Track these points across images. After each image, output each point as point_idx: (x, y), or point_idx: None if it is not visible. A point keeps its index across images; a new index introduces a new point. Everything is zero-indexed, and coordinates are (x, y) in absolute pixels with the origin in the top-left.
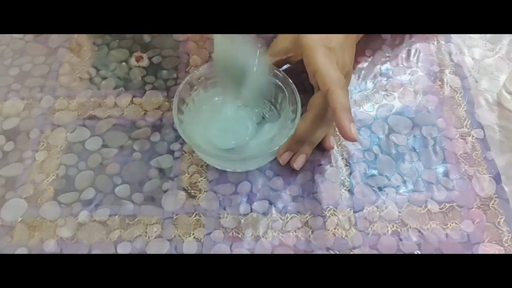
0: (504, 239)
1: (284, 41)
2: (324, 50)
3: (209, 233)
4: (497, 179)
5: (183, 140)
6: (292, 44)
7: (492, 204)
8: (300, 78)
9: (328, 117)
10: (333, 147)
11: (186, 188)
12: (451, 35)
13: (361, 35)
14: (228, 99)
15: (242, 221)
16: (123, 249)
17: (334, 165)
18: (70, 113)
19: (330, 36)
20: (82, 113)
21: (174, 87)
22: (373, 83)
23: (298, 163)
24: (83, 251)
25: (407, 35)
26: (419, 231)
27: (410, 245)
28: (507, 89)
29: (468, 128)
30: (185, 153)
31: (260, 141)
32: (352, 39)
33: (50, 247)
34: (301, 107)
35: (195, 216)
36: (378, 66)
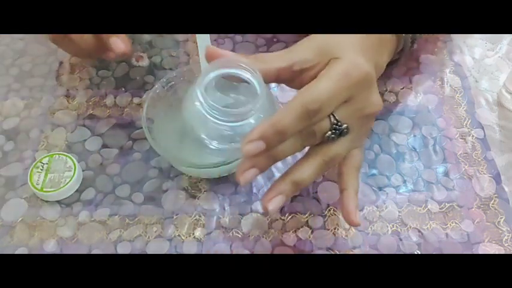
0: (504, 239)
1: (306, 50)
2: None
3: (209, 233)
4: (497, 179)
5: None
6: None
7: (492, 204)
8: None
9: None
10: (358, 222)
11: (186, 188)
12: (451, 34)
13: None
14: None
15: (242, 221)
16: (123, 249)
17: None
18: (70, 113)
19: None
20: (82, 113)
21: None
22: None
23: (274, 204)
24: (83, 251)
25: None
26: (419, 231)
27: (410, 245)
28: (507, 88)
29: (468, 128)
30: None
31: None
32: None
33: (50, 247)
34: None
35: (195, 216)
36: None
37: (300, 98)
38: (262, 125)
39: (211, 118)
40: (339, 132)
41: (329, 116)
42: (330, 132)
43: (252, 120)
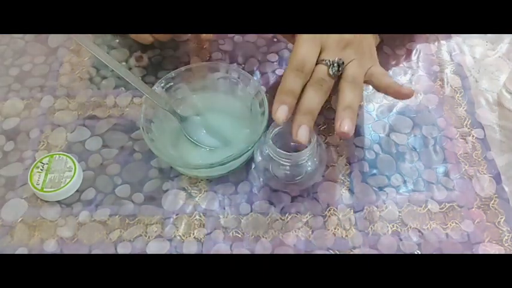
0: (504, 239)
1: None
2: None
3: (209, 233)
4: (497, 178)
5: None
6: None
7: (492, 204)
8: None
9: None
10: (348, 133)
11: (186, 188)
12: (451, 34)
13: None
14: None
15: (242, 221)
16: (123, 249)
17: (334, 164)
18: (70, 112)
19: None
20: (82, 113)
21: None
22: None
23: (301, 135)
24: (83, 251)
25: (408, 35)
26: (420, 231)
27: (410, 245)
28: (507, 88)
29: (468, 128)
30: None
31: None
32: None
33: (50, 247)
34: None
35: (195, 216)
36: None
37: (289, 64)
38: (276, 96)
39: (278, 161)
40: (336, 65)
41: (320, 61)
42: (330, 70)
43: (308, 162)
